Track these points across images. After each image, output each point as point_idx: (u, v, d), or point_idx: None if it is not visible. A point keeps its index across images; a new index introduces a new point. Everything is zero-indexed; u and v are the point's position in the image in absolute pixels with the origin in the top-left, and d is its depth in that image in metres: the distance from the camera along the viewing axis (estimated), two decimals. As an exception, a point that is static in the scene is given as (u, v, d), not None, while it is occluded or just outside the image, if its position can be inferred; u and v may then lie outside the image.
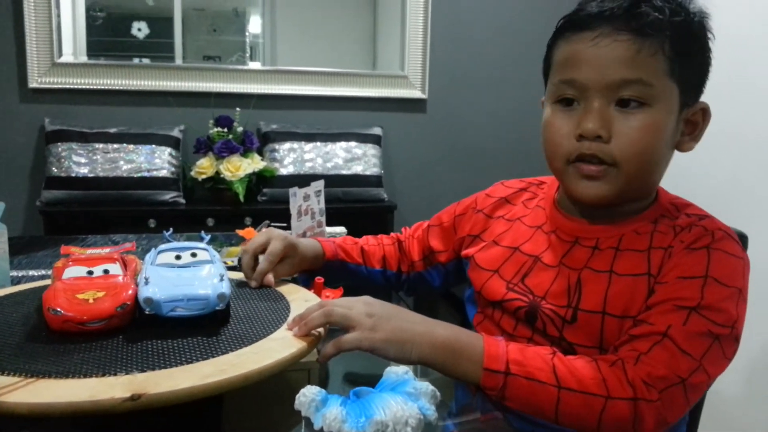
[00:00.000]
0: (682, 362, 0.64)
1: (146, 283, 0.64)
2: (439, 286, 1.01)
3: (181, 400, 0.50)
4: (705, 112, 0.76)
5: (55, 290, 0.64)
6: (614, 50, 0.69)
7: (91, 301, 0.63)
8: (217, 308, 0.64)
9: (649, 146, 0.71)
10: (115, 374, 0.53)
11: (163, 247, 0.72)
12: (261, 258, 0.84)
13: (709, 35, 0.74)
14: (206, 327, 0.64)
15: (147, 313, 0.63)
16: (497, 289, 0.82)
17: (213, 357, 0.56)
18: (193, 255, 0.71)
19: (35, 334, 0.62)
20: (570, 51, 0.73)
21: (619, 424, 0.63)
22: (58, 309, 0.61)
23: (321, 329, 0.64)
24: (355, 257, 0.99)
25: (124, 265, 0.72)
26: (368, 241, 1.03)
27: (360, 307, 0.66)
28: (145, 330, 0.63)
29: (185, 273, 0.68)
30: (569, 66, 0.73)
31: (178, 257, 0.70)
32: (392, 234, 1.07)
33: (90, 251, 0.75)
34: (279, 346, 0.60)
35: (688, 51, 0.71)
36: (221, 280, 0.66)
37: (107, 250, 0.76)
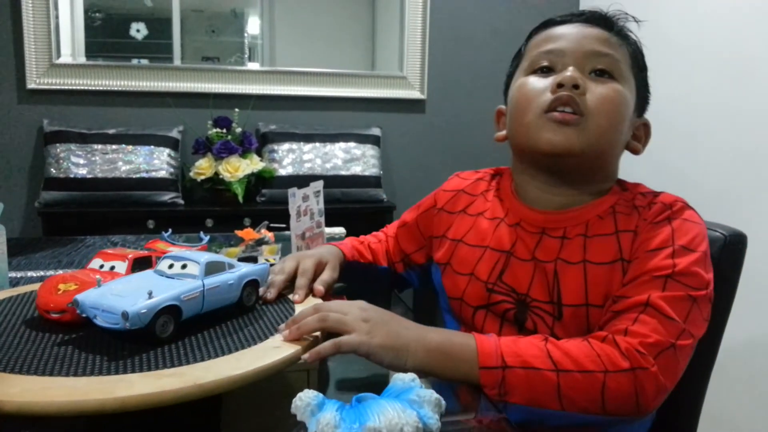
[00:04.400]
0: (669, 327, 0.66)
1: (99, 285, 0.63)
2: (419, 286, 1.02)
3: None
4: (647, 128, 0.85)
5: (52, 279, 0.67)
6: (591, 31, 0.80)
7: (60, 292, 0.64)
8: (128, 327, 0.57)
9: (618, 106, 0.77)
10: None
11: (169, 254, 0.70)
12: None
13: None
14: (147, 343, 0.59)
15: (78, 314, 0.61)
16: (478, 292, 0.82)
17: (66, 376, 0.52)
18: (183, 267, 0.67)
19: (24, 322, 0.65)
20: (548, 33, 0.82)
21: (622, 397, 0.63)
22: (38, 295, 0.66)
23: (318, 333, 0.64)
24: (366, 256, 1.00)
25: (142, 263, 0.73)
26: (369, 239, 1.04)
27: (355, 312, 0.66)
28: (100, 334, 0.61)
29: (153, 283, 0.64)
30: (548, 41, 0.81)
31: (171, 266, 0.68)
32: (379, 233, 1.07)
33: (172, 248, 0.80)
34: (146, 381, 0.52)
35: (639, 66, 0.82)
36: (149, 298, 0.59)
37: (182, 249, 0.79)
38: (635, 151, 0.84)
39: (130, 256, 0.73)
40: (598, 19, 0.81)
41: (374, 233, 1.07)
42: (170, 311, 0.61)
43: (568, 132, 0.75)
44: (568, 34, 0.80)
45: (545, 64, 0.79)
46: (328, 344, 0.63)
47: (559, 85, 0.76)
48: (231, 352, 0.58)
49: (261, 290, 0.77)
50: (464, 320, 0.85)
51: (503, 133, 0.88)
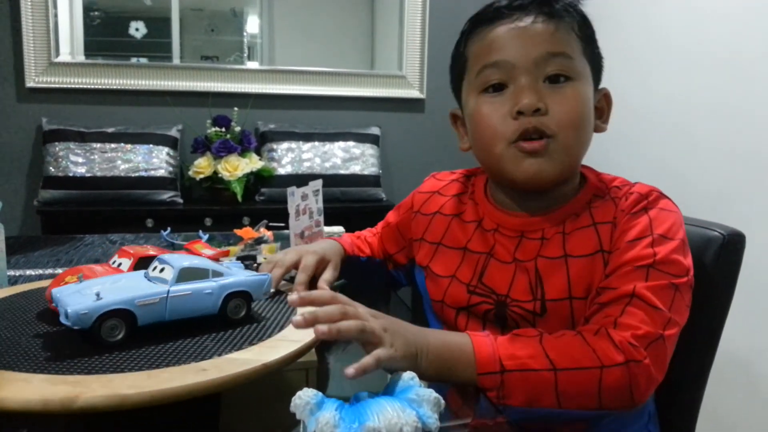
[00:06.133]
0: (656, 317, 0.67)
1: (80, 281, 0.63)
2: (407, 284, 1.02)
3: None
4: (607, 97, 0.82)
5: (70, 270, 0.71)
6: (534, 29, 0.73)
7: (63, 284, 0.66)
8: (72, 327, 0.55)
9: (582, 115, 0.75)
10: None
11: (160, 256, 0.68)
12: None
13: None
14: (100, 346, 0.57)
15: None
16: (459, 294, 0.82)
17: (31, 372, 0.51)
18: (161, 270, 0.65)
19: (20, 319, 0.66)
20: (489, 39, 0.76)
21: (617, 391, 0.64)
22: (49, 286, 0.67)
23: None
24: (365, 250, 1.00)
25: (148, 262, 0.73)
26: (365, 234, 1.05)
27: (373, 320, 0.63)
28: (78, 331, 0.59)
29: (116, 285, 0.62)
30: (492, 50, 0.75)
31: (155, 268, 0.66)
32: (373, 228, 1.07)
33: (206, 250, 0.88)
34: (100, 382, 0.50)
35: (591, 35, 0.78)
36: (97, 299, 0.57)
37: (210, 251, 0.90)
38: (600, 131, 0.80)
39: (138, 253, 0.74)
40: (535, 6, 0.74)
41: (369, 228, 1.07)
42: (120, 315, 0.58)
43: (540, 161, 0.74)
44: (511, 38, 0.74)
45: (496, 81, 0.75)
46: (370, 360, 0.58)
47: (519, 112, 0.73)
48: (158, 368, 0.53)
49: (269, 290, 0.74)
50: (447, 322, 0.85)
51: (468, 145, 0.84)
